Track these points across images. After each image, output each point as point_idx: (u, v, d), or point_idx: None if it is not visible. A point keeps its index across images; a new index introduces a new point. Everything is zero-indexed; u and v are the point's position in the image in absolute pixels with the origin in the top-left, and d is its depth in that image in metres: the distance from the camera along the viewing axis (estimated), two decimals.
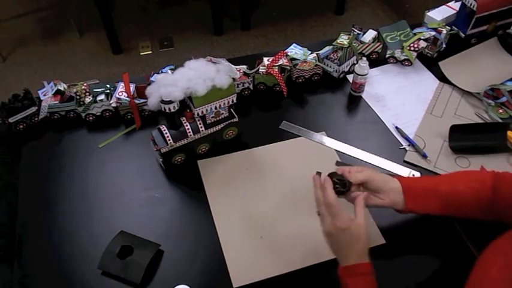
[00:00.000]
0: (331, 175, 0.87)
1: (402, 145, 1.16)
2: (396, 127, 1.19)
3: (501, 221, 0.82)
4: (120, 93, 1.17)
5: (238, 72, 1.21)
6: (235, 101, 1.05)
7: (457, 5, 1.44)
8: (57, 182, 1.08)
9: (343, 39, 1.30)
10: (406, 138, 1.16)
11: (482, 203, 0.85)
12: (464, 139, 1.13)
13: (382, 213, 1.00)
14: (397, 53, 1.38)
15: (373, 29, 1.39)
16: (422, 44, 1.35)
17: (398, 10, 3.06)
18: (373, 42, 1.37)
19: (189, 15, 3.01)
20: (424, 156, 1.12)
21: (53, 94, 1.19)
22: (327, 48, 1.31)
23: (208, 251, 0.95)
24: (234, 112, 1.10)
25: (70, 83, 1.21)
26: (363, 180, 0.87)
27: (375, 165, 1.11)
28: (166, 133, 1.03)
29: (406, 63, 1.39)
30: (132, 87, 1.18)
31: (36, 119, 1.19)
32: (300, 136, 1.18)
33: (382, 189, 0.88)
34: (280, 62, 1.25)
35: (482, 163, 1.09)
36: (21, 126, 1.18)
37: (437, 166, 1.10)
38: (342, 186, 0.86)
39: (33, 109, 1.18)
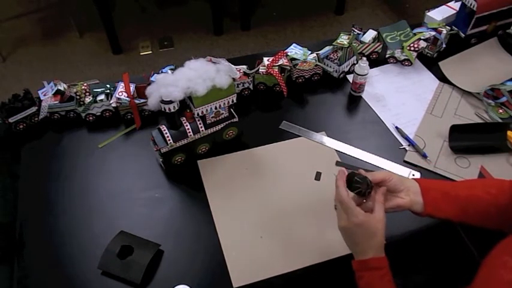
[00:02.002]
0: (353, 174, 0.84)
1: (402, 145, 1.16)
2: (396, 127, 1.19)
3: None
4: (120, 93, 1.17)
5: (238, 72, 1.21)
6: (235, 101, 1.05)
7: (457, 5, 1.44)
8: (57, 182, 1.08)
9: (343, 39, 1.30)
10: (406, 138, 1.16)
11: (500, 210, 0.84)
12: (464, 139, 1.13)
13: None
14: (397, 53, 1.38)
15: (373, 29, 1.39)
16: (422, 44, 1.35)
17: (398, 10, 3.06)
18: (373, 42, 1.37)
19: (189, 15, 3.01)
20: (424, 156, 1.12)
21: (53, 94, 1.19)
22: (327, 48, 1.31)
23: (208, 251, 0.95)
24: (234, 112, 1.10)
25: (70, 83, 1.21)
26: (382, 179, 0.86)
27: (375, 165, 1.11)
28: (166, 133, 1.03)
29: (406, 63, 1.39)
30: (132, 87, 1.18)
31: (36, 119, 1.19)
32: (300, 136, 1.18)
33: (400, 187, 0.86)
34: (280, 62, 1.25)
35: (482, 163, 1.09)
36: (21, 126, 1.18)
37: (437, 166, 1.10)
38: (365, 185, 0.82)
39: (33, 109, 1.18)
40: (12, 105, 1.15)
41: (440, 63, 1.35)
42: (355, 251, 0.82)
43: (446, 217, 0.87)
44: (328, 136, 1.18)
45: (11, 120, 1.15)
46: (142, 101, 1.18)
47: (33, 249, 0.96)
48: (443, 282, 0.90)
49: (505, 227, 0.83)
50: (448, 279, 0.91)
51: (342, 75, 1.34)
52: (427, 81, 1.34)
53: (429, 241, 0.97)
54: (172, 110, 0.98)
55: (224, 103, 1.04)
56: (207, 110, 1.02)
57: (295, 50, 1.30)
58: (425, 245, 0.96)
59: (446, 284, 0.90)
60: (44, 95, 1.19)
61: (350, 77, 1.34)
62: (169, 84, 0.95)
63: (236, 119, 1.11)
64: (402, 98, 1.29)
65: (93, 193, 1.06)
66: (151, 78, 1.22)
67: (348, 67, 1.34)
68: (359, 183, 0.82)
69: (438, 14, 1.42)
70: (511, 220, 0.83)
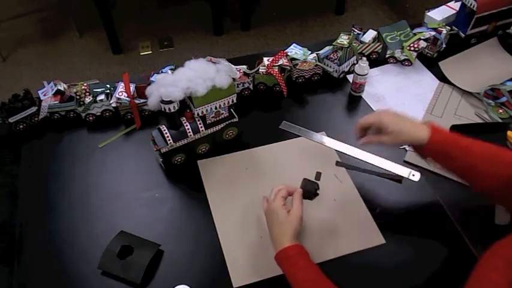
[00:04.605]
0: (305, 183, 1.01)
1: (402, 145, 1.15)
2: None
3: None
4: (120, 93, 1.17)
5: (238, 72, 1.21)
6: (235, 101, 1.05)
7: (457, 5, 1.44)
8: (57, 182, 1.08)
9: (343, 39, 1.30)
10: None
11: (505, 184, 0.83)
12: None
13: (381, 213, 1.00)
14: (397, 53, 1.38)
15: (373, 29, 1.38)
16: (422, 44, 1.35)
17: (398, 10, 3.06)
18: (373, 42, 1.37)
19: (189, 15, 3.01)
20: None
21: (53, 94, 1.19)
22: (327, 48, 1.31)
23: (208, 251, 0.95)
24: (234, 112, 1.10)
25: (70, 83, 1.21)
26: (371, 124, 0.94)
27: (375, 165, 1.11)
28: (166, 133, 1.03)
29: (406, 63, 1.39)
30: (132, 87, 1.18)
31: (36, 119, 1.19)
32: (300, 136, 1.18)
33: (388, 129, 0.91)
34: (280, 62, 1.25)
35: None
36: (21, 126, 1.18)
37: (437, 166, 1.10)
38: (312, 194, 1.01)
39: (33, 109, 1.18)
40: (12, 105, 1.15)
41: (440, 63, 1.35)
42: (272, 237, 0.89)
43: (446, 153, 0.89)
44: (328, 136, 1.18)
45: (11, 120, 1.15)
46: (142, 101, 1.18)
47: (33, 249, 0.96)
48: (441, 280, 0.90)
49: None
50: (449, 279, 0.91)
51: (342, 75, 1.34)
52: (427, 81, 1.34)
53: (427, 239, 0.97)
54: (172, 110, 0.98)
55: (224, 103, 1.04)
56: (207, 110, 1.02)
57: (295, 50, 1.30)
58: (423, 243, 0.96)
59: (444, 282, 0.90)
60: (44, 95, 1.19)
61: (350, 77, 1.34)
62: (169, 84, 0.95)
63: (236, 119, 1.11)
64: (402, 98, 1.29)
65: (93, 193, 1.06)
66: (151, 78, 1.22)
67: (348, 67, 1.34)
68: (310, 192, 1.00)
69: (438, 14, 1.42)
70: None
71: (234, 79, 1.06)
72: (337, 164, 1.12)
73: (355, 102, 1.29)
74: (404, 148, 1.15)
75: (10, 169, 1.13)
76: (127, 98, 1.17)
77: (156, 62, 2.69)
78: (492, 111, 1.21)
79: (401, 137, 0.91)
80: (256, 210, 1.02)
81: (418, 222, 0.99)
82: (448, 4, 1.46)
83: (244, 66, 1.25)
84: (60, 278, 0.91)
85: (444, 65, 1.35)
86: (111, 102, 1.18)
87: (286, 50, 1.29)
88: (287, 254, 0.84)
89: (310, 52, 1.30)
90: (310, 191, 1.01)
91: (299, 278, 0.81)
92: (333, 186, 1.06)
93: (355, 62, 1.35)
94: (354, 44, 1.32)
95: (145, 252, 0.91)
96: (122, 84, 1.19)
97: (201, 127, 1.06)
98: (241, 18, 2.89)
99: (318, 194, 1.03)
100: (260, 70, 1.26)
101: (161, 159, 1.08)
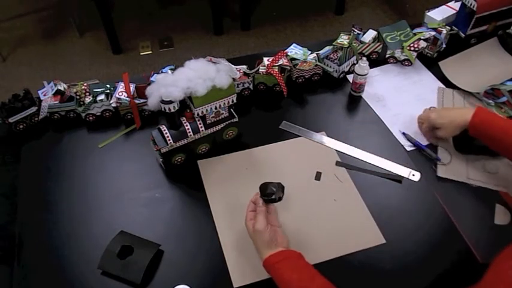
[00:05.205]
0: (266, 184, 0.92)
1: (402, 144, 1.15)
2: (403, 133, 1.18)
3: None
4: (120, 93, 1.17)
5: (238, 72, 1.21)
6: (235, 101, 1.05)
7: (457, 5, 1.44)
8: (57, 182, 1.08)
9: (343, 39, 1.30)
10: (415, 144, 1.14)
11: None
12: (469, 140, 1.11)
13: (382, 213, 1.00)
14: (397, 53, 1.38)
15: (373, 29, 1.38)
16: (422, 44, 1.35)
17: (399, 10, 3.06)
18: (373, 42, 1.37)
19: (189, 15, 3.01)
20: (437, 159, 1.10)
21: (53, 94, 1.19)
22: (327, 48, 1.31)
23: (209, 251, 0.95)
24: (234, 112, 1.10)
25: (70, 83, 1.21)
26: (428, 127, 1.10)
27: (375, 165, 1.11)
28: (166, 133, 1.03)
29: (406, 63, 1.39)
30: (132, 87, 1.18)
31: (36, 119, 1.19)
32: (300, 136, 1.18)
33: (440, 124, 1.06)
34: (280, 62, 1.25)
35: (484, 164, 1.09)
36: (21, 126, 1.18)
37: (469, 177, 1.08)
38: (279, 193, 0.90)
39: (33, 109, 1.18)
40: (12, 105, 1.15)
41: (440, 63, 1.35)
42: (257, 250, 0.89)
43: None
44: (328, 136, 1.18)
45: (11, 120, 1.15)
46: (142, 101, 1.18)
47: (33, 249, 0.96)
48: (444, 282, 0.90)
49: None
50: (449, 279, 0.91)
51: (342, 75, 1.34)
52: (427, 81, 1.34)
53: (427, 239, 0.97)
54: (172, 110, 0.98)
55: (224, 103, 1.04)
56: (207, 110, 1.02)
57: (295, 50, 1.30)
58: (423, 243, 0.96)
59: (445, 282, 0.90)
60: (44, 95, 1.19)
61: (350, 77, 1.34)
62: (169, 84, 0.95)
63: (236, 119, 1.11)
64: (402, 98, 1.29)
65: (93, 193, 1.06)
66: (151, 78, 1.22)
67: (348, 67, 1.34)
68: (273, 192, 0.89)
69: (438, 14, 1.42)
70: None
71: (234, 79, 1.06)
72: (337, 164, 1.12)
73: (355, 102, 1.29)
74: (406, 149, 1.15)
75: (10, 169, 1.13)
76: (127, 98, 1.17)
77: (156, 62, 2.70)
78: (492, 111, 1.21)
79: (454, 124, 1.03)
80: None
81: (418, 222, 0.99)
82: (448, 4, 1.46)
83: (244, 66, 1.25)
84: (60, 277, 0.91)
85: (444, 65, 1.35)
86: (111, 102, 1.18)
87: (286, 50, 1.29)
88: (269, 263, 0.85)
89: (310, 52, 1.30)
90: (266, 198, 0.90)
91: (284, 280, 0.82)
92: (333, 186, 1.06)
93: (355, 62, 1.35)
94: (354, 44, 1.32)
95: (146, 252, 0.91)
96: (122, 84, 1.19)
97: (201, 127, 1.06)
98: (241, 18, 2.89)
99: (281, 194, 0.91)
100: (260, 70, 1.26)
101: (161, 159, 1.08)
